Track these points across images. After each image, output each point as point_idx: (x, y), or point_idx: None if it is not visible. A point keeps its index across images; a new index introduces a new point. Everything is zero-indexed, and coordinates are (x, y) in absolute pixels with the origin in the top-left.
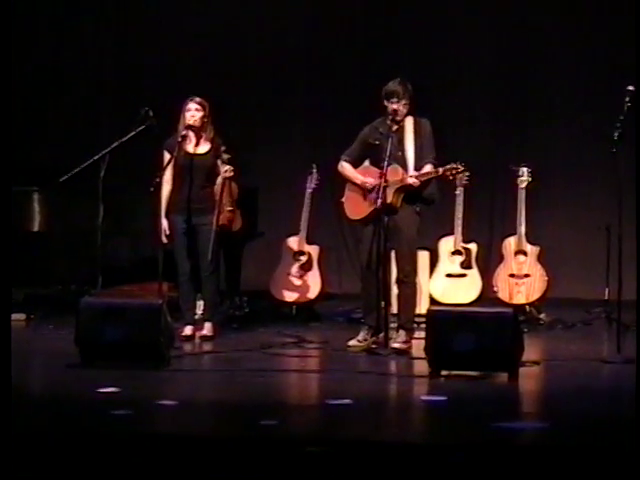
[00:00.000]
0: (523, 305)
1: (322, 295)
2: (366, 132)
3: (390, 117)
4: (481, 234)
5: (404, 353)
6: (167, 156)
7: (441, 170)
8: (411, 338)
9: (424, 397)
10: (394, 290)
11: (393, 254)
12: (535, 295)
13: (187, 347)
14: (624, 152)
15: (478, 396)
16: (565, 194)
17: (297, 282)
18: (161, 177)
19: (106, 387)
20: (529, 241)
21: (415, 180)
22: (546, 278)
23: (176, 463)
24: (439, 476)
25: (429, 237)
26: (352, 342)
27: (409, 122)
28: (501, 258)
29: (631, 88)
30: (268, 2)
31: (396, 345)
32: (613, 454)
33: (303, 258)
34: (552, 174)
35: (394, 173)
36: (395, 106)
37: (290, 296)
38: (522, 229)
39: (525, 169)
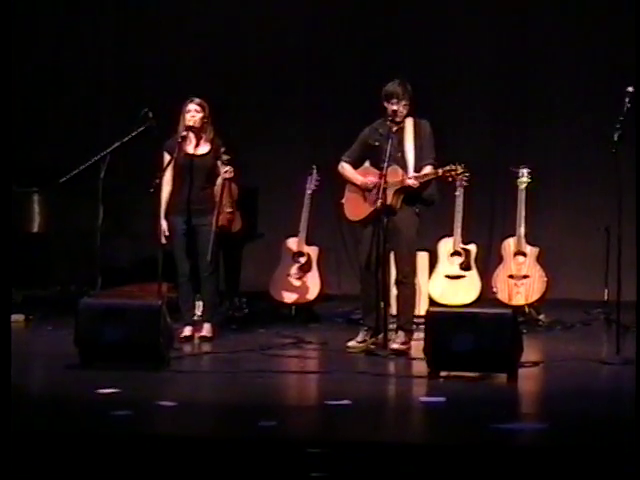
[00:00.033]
0: (522, 306)
1: (321, 296)
2: (366, 133)
3: (390, 118)
4: (480, 235)
5: (403, 354)
6: (167, 157)
7: (440, 171)
8: (410, 339)
9: (423, 398)
10: (393, 291)
11: (392, 255)
12: (534, 296)
13: (186, 348)
14: (624, 153)
15: (477, 397)
16: (565, 195)
17: (296, 283)
18: (161, 178)
19: (105, 388)
20: (528, 242)
21: (414, 181)
22: (545, 279)
23: (176, 464)
24: (438, 477)
25: (428, 238)
26: (351, 343)
27: (409, 123)
28: (500, 259)
29: (631, 89)
30: (268, 2)
31: (395, 346)
32: (612, 455)
33: (302, 259)
34: (552, 175)
35: (394, 174)
36: (395, 107)
37: (289, 297)
38: (521, 230)
39: (525, 170)
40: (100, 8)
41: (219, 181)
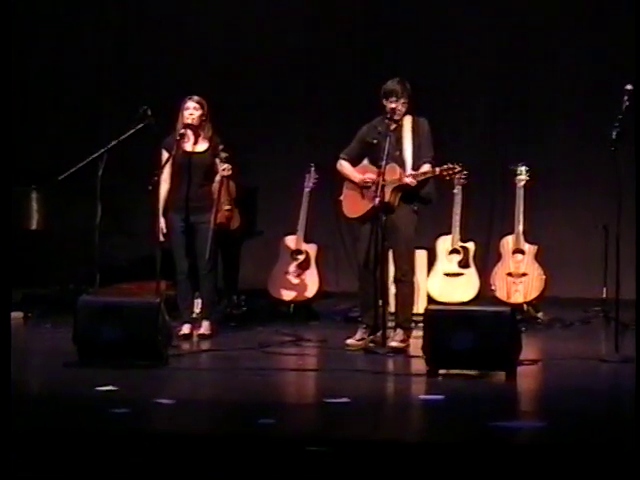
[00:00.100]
0: (521, 304)
1: (320, 294)
2: (364, 131)
3: (388, 116)
4: (479, 233)
5: (402, 352)
6: (165, 155)
7: (438, 170)
8: (409, 337)
9: (422, 396)
10: (392, 289)
11: (391, 253)
12: (533, 294)
13: (185, 345)
14: (623, 151)
15: (476, 395)
16: (563, 193)
17: (295, 281)
18: (159, 176)
19: (104, 385)
20: (527, 240)
21: (412, 180)
22: (544, 277)
23: (174, 461)
24: (437, 475)
25: (427, 236)
26: (350, 341)
27: (407, 121)
28: (499, 257)
29: (629, 87)
30: (268, 2)
31: (394, 344)
32: (611, 453)
33: (301, 257)
34: (550, 173)
35: (392, 172)
36: (393, 105)
37: (288, 295)
38: (520, 228)
39: (523, 168)
40: (100, 8)
41: (217, 179)
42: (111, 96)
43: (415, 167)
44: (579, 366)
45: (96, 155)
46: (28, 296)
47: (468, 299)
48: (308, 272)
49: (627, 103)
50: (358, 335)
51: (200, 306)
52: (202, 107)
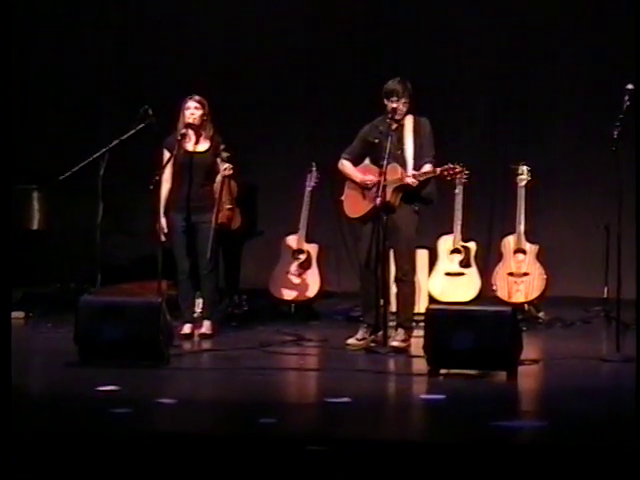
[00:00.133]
0: (522, 304)
1: (321, 293)
2: (366, 130)
3: (390, 116)
4: (480, 233)
5: (403, 351)
6: (167, 154)
7: (438, 170)
8: (410, 336)
9: (423, 395)
10: (393, 289)
11: (392, 253)
12: (534, 294)
13: (186, 345)
14: (624, 151)
15: (477, 395)
16: (564, 193)
17: (296, 280)
18: (160, 175)
19: (105, 385)
20: (528, 240)
21: (413, 180)
22: (545, 277)
23: (175, 461)
24: (438, 475)
25: (428, 236)
26: (351, 340)
27: (409, 121)
28: (500, 257)
29: (630, 87)
30: (268, 2)
31: (395, 343)
32: (612, 453)
33: (302, 256)
34: (552, 173)
35: (393, 172)
36: (395, 105)
37: (289, 294)
38: (521, 228)
39: (525, 167)
40: (100, 8)
41: (218, 178)
42: (111, 96)
43: (416, 167)
44: (580, 366)
45: (97, 155)
46: (28, 295)
47: (469, 299)
48: (309, 272)
49: (628, 103)
50: (359, 335)
51: (201, 306)
52: (203, 107)
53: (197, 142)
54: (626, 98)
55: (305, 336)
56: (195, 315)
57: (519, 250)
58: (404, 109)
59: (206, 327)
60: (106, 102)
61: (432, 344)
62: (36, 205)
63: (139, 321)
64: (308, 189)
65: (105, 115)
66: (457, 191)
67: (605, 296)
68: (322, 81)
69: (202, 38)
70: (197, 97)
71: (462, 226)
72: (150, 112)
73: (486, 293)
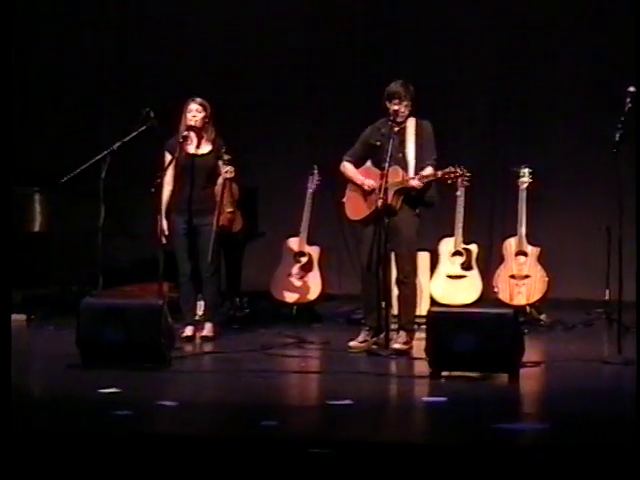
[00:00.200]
0: (523, 306)
1: (322, 296)
2: (368, 133)
3: (391, 118)
4: (481, 235)
5: (404, 354)
6: (168, 157)
7: (440, 173)
8: (411, 339)
9: (424, 398)
10: (394, 291)
11: (393, 255)
12: (535, 296)
13: (188, 348)
14: (625, 153)
15: (478, 397)
16: (564, 194)
17: (298, 283)
18: (162, 178)
19: (107, 388)
20: (529, 242)
21: (418, 182)
22: (546, 279)
23: (176, 463)
24: (440, 477)
25: (429, 238)
26: (353, 343)
27: (411, 124)
28: (501, 259)
29: (632, 89)
30: (268, 2)
31: (396, 346)
32: (613, 455)
33: (304, 259)
34: (551, 173)
35: (394, 174)
36: (396, 107)
37: (291, 297)
38: (522, 230)
39: (526, 170)
40: (100, 8)
41: (220, 181)
42: (111, 96)
43: (418, 170)
44: (582, 368)
45: (99, 157)
46: (30, 298)
47: (471, 301)
48: (311, 274)
49: (630, 105)
50: (361, 337)
51: (203, 308)
52: (205, 109)
53: (199, 145)
54: (628, 100)
55: (307, 338)
56: (196, 318)
57: (520, 252)
58: (406, 112)
59: (207, 329)
60: (106, 102)
61: (434, 346)
62: (37, 207)
63: (140, 323)
64: (309, 191)
65: (105, 115)
66: (459, 193)
67: (606, 298)
68: (322, 81)
69: (202, 38)
70: (199, 99)
71: (463, 228)
72: (152, 114)
73: (488, 295)
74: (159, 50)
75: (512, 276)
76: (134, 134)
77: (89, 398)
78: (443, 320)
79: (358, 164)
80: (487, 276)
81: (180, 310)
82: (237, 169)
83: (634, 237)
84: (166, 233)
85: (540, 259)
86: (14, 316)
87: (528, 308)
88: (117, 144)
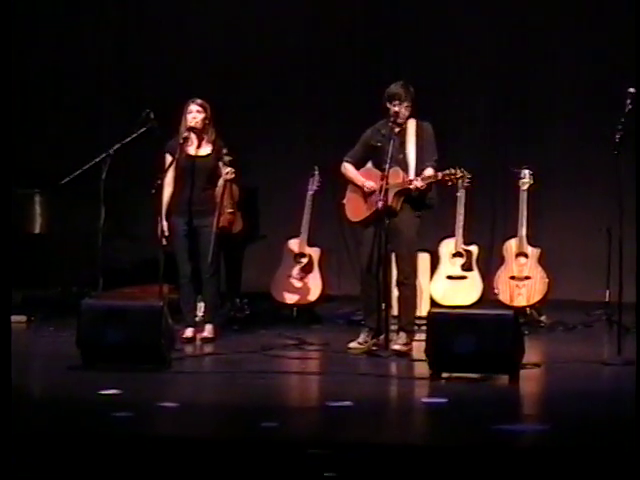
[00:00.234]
0: (524, 307)
1: (323, 297)
2: (368, 134)
3: (392, 119)
4: (482, 236)
5: (404, 355)
6: (168, 158)
7: (440, 175)
8: (412, 340)
9: (425, 399)
10: (394, 292)
11: (393, 256)
12: (536, 297)
13: (188, 349)
14: (625, 154)
15: (479, 398)
16: (566, 196)
17: (298, 284)
18: (162, 179)
19: (107, 389)
20: (530, 243)
21: (421, 183)
22: (547, 280)
23: (177, 465)
24: (440, 478)
25: (430, 239)
26: (353, 344)
27: (411, 125)
28: (502, 260)
29: (632, 90)
30: (268, 2)
31: (396, 347)
32: (614, 456)
33: (304, 260)
34: (551, 174)
35: (395, 176)
36: (397, 108)
37: (291, 298)
38: (523, 231)
39: (527, 171)
40: (100, 8)
41: (220, 182)
42: (111, 96)
43: (418, 171)
44: (582, 369)
45: (99, 159)
46: (31, 299)
47: (471, 302)
48: (311, 275)
49: (630, 106)
50: (361, 338)
51: (203, 309)
52: (205, 110)
53: (199, 146)
54: (628, 101)
55: (307, 340)
56: (197, 319)
57: (521, 253)
58: (406, 113)
59: (208, 331)
60: (106, 102)
61: (434, 347)
62: (38, 209)
63: (141, 325)
64: (310, 193)
65: (105, 115)
66: (459, 194)
67: (607, 299)
68: (322, 81)
69: (202, 38)
70: (199, 101)
71: (464, 229)
72: (152, 116)
73: (488, 297)
74: (159, 50)
75: (512, 277)
76: (134, 135)
77: (89, 399)
78: (443, 321)
79: (358, 165)
80: (487, 277)
81: (180, 311)
82: (237, 170)
83: (634, 238)
84: (166, 234)
85: (540, 260)
86: (14, 317)
87: (528, 309)
88: (117, 145)
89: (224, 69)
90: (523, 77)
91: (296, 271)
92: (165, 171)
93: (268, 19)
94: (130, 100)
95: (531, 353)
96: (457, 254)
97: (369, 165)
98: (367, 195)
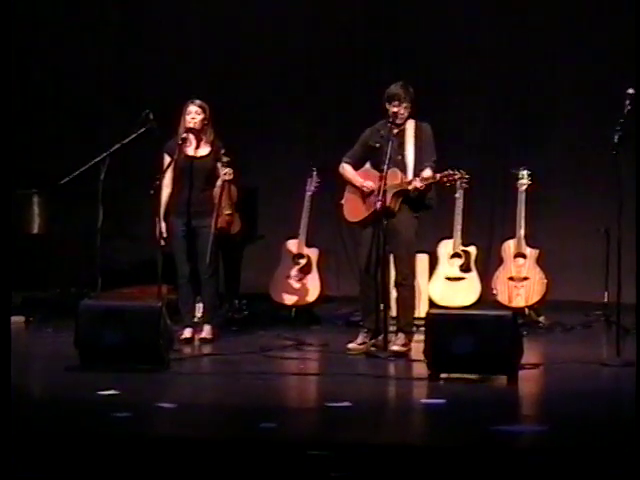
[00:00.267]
0: (522, 308)
1: (321, 298)
2: (367, 134)
3: (391, 120)
4: (480, 237)
5: (403, 356)
6: (167, 159)
7: (438, 176)
8: (410, 341)
9: (423, 400)
10: (393, 293)
11: (391, 257)
12: (534, 298)
13: (186, 350)
14: (624, 155)
15: (477, 399)
16: (564, 195)
17: (296, 285)
18: (161, 180)
19: (105, 389)
20: (528, 244)
21: (421, 183)
22: (545, 281)
23: (175, 465)
24: (438, 479)
25: (428, 240)
26: (351, 345)
27: (410, 126)
28: (500, 261)
29: (631, 91)
30: (268, 2)
31: (395, 348)
32: (612, 457)
33: (302, 261)
34: (551, 174)
35: (393, 177)
36: (396, 109)
37: (289, 299)
38: (521, 232)
39: (525, 172)
40: (100, 8)
41: (219, 183)
42: (111, 96)
43: (417, 172)
44: (580, 370)
45: (98, 159)
46: (28, 300)
47: (469, 303)
48: (309, 276)
49: (629, 107)
50: (359, 339)
51: (202, 310)
52: (204, 111)
53: (198, 147)
54: (627, 102)
55: (305, 340)
56: (195, 319)
57: (519, 254)
58: (405, 113)
59: (206, 331)
60: (106, 102)
61: (432, 348)
62: (36, 209)
63: (139, 325)
64: (308, 193)
65: (105, 116)
66: (457, 195)
67: (605, 300)
68: (322, 81)
69: (202, 38)
70: (198, 101)
71: (462, 230)
72: (151, 116)
73: (486, 297)
74: (159, 50)
75: (511, 278)
76: (134, 136)
77: (88, 400)
78: (442, 322)
79: (357, 166)
80: (486, 278)
81: (179, 312)
82: (236, 170)
83: (633, 239)
84: (165, 235)
85: (539, 261)
86: (13, 318)
87: (527, 310)
88: (116, 146)
89: (224, 69)
90: (523, 77)
91: (295, 272)
92: (164, 172)
93: (268, 19)
94: (130, 100)
95: (529, 354)
96: (455, 255)
97: (367, 166)
98: (365, 196)
